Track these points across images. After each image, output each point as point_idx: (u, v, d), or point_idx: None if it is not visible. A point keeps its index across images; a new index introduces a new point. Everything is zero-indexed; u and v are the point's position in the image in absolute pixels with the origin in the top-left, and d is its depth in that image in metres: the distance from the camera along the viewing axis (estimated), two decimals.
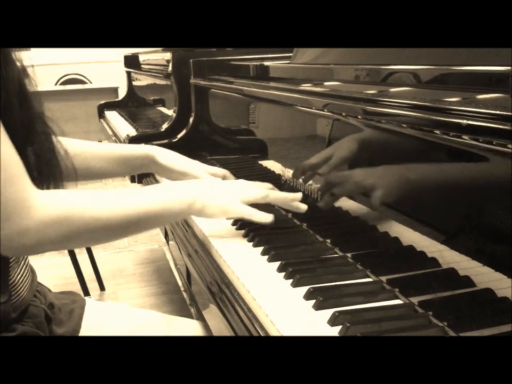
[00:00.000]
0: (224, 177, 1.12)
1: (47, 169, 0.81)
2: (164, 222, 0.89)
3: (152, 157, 1.11)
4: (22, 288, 0.83)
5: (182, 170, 1.11)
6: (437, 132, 0.62)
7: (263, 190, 0.92)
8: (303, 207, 0.92)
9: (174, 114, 1.79)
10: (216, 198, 0.87)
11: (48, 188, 0.80)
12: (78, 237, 0.75)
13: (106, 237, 0.81)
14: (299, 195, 0.93)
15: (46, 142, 0.81)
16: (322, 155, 0.95)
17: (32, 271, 0.90)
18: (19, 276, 0.82)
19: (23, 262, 0.85)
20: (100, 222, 0.75)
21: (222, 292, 0.78)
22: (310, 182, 1.01)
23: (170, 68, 1.80)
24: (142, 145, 1.16)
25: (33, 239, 0.69)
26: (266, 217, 0.88)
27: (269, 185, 0.96)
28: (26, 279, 0.84)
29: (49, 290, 0.99)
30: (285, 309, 0.66)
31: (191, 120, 1.68)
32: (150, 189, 0.88)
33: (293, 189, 1.08)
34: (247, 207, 0.88)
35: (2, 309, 0.77)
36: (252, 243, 0.89)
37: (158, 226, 0.87)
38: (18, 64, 0.73)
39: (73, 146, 0.98)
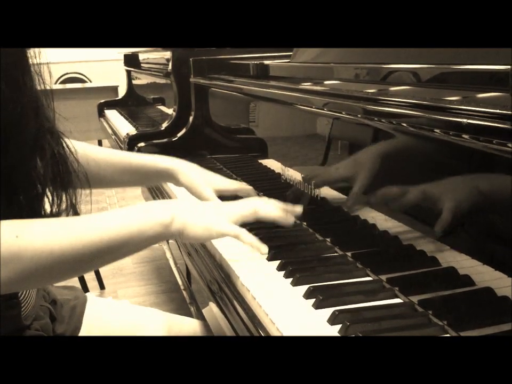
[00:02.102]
0: (248, 195, 1.03)
1: (60, 180, 0.77)
2: (138, 248, 0.73)
3: (172, 174, 1.01)
4: (29, 298, 0.82)
5: (201, 196, 0.99)
6: (437, 130, 0.62)
7: (251, 205, 0.80)
8: (291, 220, 0.82)
9: (174, 113, 1.79)
10: (198, 216, 0.76)
11: (60, 198, 0.77)
12: (33, 277, 0.65)
13: (71, 271, 0.71)
14: (298, 210, 0.84)
15: (58, 155, 0.77)
16: (342, 173, 0.89)
17: None
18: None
19: None
20: (57, 256, 0.64)
21: (222, 290, 0.78)
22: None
23: (170, 67, 1.80)
24: (163, 157, 1.03)
25: None
26: (259, 245, 0.76)
27: (255, 199, 0.84)
28: (32, 290, 0.83)
29: (52, 285, 0.98)
30: (285, 307, 0.66)
31: (191, 119, 1.68)
32: (118, 212, 0.75)
33: (292, 188, 1.09)
34: (235, 227, 0.76)
35: (14, 322, 0.77)
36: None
37: (132, 253, 0.74)
38: (33, 68, 0.71)
39: (89, 152, 0.94)
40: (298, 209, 0.83)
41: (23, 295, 0.79)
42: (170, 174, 1.01)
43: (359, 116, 0.79)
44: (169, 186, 1.28)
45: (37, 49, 0.71)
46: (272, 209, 0.81)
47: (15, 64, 0.68)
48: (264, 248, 0.75)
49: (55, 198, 0.77)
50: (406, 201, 0.74)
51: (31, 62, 0.70)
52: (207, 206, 0.82)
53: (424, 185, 0.72)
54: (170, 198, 1.26)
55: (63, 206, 0.78)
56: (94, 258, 0.69)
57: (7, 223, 0.63)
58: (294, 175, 1.09)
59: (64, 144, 0.79)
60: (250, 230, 0.91)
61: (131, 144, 1.71)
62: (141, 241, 0.72)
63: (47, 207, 0.77)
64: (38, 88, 0.73)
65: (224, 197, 0.97)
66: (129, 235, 0.70)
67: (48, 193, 0.76)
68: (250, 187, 1.05)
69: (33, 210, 0.73)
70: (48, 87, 0.74)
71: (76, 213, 0.84)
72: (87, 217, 0.71)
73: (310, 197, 0.97)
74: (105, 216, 0.72)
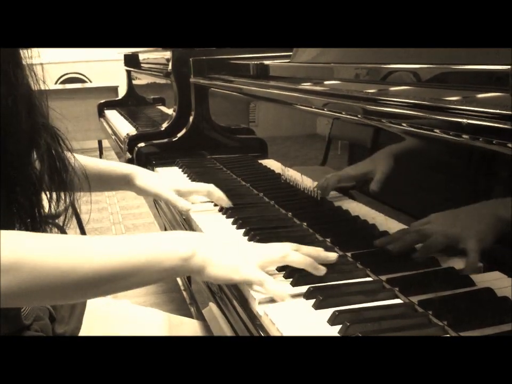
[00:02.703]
0: (208, 193, 1.09)
1: (58, 178, 0.76)
2: (150, 281, 0.67)
3: (129, 177, 1.07)
4: None
5: (155, 193, 1.07)
6: (437, 130, 0.62)
7: (281, 250, 0.73)
8: (323, 271, 0.73)
9: (174, 113, 1.79)
10: (223, 256, 0.70)
11: (58, 196, 0.76)
12: (31, 292, 0.60)
13: (69, 295, 0.65)
14: (332, 257, 0.76)
15: (54, 151, 0.76)
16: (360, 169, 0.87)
17: None
18: None
19: None
20: (59, 275, 0.60)
21: (222, 290, 0.78)
22: (311, 182, 1.01)
23: (170, 67, 1.80)
24: (120, 164, 1.09)
25: None
26: (282, 293, 0.68)
27: (286, 244, 0.75)
28: None
29: None
30: (285, 308, 0.66)
31: (191, 119, 1.68)
32: (136, 238, 0.69)
33: (292, 188, 1.09)
34: (261, 273, 0.69)
35: (14, 321, 0.77)
36: (251, 242, 0.89)
37: (140, 285, 0.66)
38: (27, 67, 0.70)
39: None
40: (332, 257, 0.75)
41: None
42: (127, 179, 1.06)
43: (359, 116, 0.79)
44: None
45: (32, 50, 0.71)
46: (303, 258, 0.72)
47: (7, 59, 0.66)
48: (287, 295, 0.69)
49: (54, 196, 0.76)
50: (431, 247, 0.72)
51: (24, 60, 0.69)
52: (234, 246, 0.75)
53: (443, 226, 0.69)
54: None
55: (62, 203, 0.78)
56: (101, 283, 0.63)
57: (11, 232, 0.61)
58: (294, 175, 1.10)
59: (61, 142, 0.79)
60: (251, 230, 0.91)
61: (131, 144, 1.71)
62: (155, 273, 0.66)
63: (47, 207, 0.77)
64: (35, 88, 0.72)
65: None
66: (144, 264, 0.65)
67: (47, 192, 0.75)
68: (209, 184, 1.09)
69: (32, 209, 0.73)
70: (42, 85, 0.74)
71: (76, 212, 0.84)
72: (99, 238, 0.66)
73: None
74: (121, 239, 0.68)
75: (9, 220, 0.69)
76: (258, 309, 0.67)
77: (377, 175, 0.81)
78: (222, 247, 0.72)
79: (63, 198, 0.78)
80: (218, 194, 1.08)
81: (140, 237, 0.69)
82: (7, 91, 0.66)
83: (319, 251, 0.75)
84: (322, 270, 0.72)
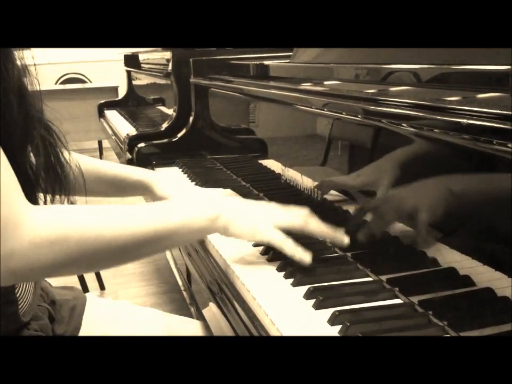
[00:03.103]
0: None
1: (53, 173, 0.76)
2: (181, 241, 0.76)
3: (147, 186, 1.01)
4: (27, 295, 0.82)
5: None
6: (437, 131, 0.62)
7: (303, 215, 0.78)
8: (346, 240, 0.78)
9: (174, 114, 1.79)
10: (244, 216, 0.76)
11: (54, 196, 0.77)
12: (77, 261, 0.65)
13: (112, 260, 0.71)
14: (346, 240, 0.78)
15: (49, 145, 0.77)
16: (363, 180, 0.87)
17: None
18: (24, 284, 0.81)
19: None
20: (103, 243, 0.65)
21: (222, 291, 0.78)
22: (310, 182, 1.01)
23: (170, 67, 1.80)
24: (138, 169, 1.03)
25: (21, 263, 0.59)
26: (302, 255, 0.73)
27: (306, 210, 0.80)
28: (30, 285, 0.84)
29: (50, 285, 0.98)
30: (285, 308, 0.66)
31: (191, 119, 1.68)
32: (164, 204, 0.76)
33: (292, 188, 1.09)
34: (281, 234, 0.75)
35: (12, 319, 0.77)
36: (252, 243, 0.89)
37: (174, 246, 0.78)
38: (19, 63, 0.71)
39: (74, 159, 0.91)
40: (345, 239, 0.78)
41: (20, 292, 0.80)
42: (145, 186, 1.01)
43: (359, 116, 0.79)
44: None
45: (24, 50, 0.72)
46: (323, 226, 0.77)
47: None
48: (308, 257, 0.73)
49: (49, 190, 0.76)
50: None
51: (18, 59, 0.70)
52: (256, 205, 0.80)
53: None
54: None
55: (57, 197, 0.78)
56: (139, 247, 0.69)
57: (54, 206, 0.65)
58: (294, 175, 1.10)
59: (56, 137, 0.79)
60: None
61: (131, 144, 1.71)
62: (186, 234, 0.73)
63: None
64: (29, 86, 0.73)
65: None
66: (175, 227, 0.71)
67: (42, 186, 0.75)
68: (229, 190, 1.05)
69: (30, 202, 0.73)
70: (36, 83, 0.74)
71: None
72: (136, 206, 0.71)
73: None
74: (154, 206, 0.74)
75: None
76: (258, 308, 0.67)
77: (380, 189, 0.81)
78: (244, 207, 0.78)
79: (59, 193, 0.78)
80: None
81: (169, 203, 0.77)
82: None
83: (327, 229, 0.78)
84: (344, 240, 0.77)
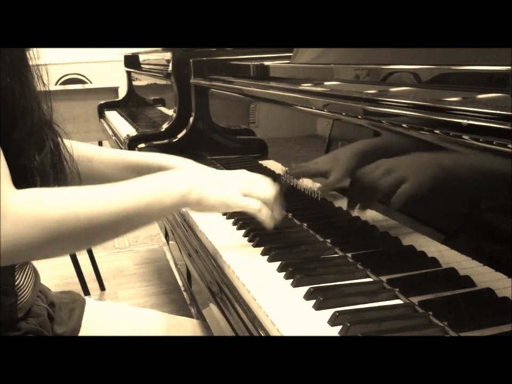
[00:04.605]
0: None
1: (53, 173, 0.79)
2: (157, 216, 0.77)
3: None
4: (27, 290, 0.83)
5: None
6: (437, 131, 0.62)
7: (268, 189, 0.84)
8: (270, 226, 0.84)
9: (174, 114, 1.79)
10: (215, 188, 0.79)
11: None
12: (60, 240, 0.67)
13: (92, 238, 0.73)
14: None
15: (55, 146, 0.80)
16: (320, 167, 0.93)
17: (35, 272, 0.90)
18: (23, 278, 0.82)
19: (27, 264, 0.85)
20: (81, 221, 0.67)
21: (222, 291, 0.78)
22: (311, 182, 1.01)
23: (170, 68, 1.80)
24: (163, 156, 1.04)
25: (9, 243, 0.62)
26: (270, 220, 0.81)
27: (268, 180, 0.87)
28: (30, 280, 0.85)
29: (49, 290, 0.99)
30: (285, 308, 0.66)
31: (191, 120, 1.68)
32: (137, 181, 0.77)
33: (292, 188, 1.08)
34: (254, 200, 0.80)
35: (9, 311, 0.78)
36: (252, 243, 0.89)
37: (150, 222, 0.76)
38: (32, 67, 0.74)
39: (83, 151, 0.95)
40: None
41: (19, 286, 0.80)
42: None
43: (359, 116, 0.79)
44: None
45: (35, 50, 0.75)
46: (269, 216, 0.82)
47: (20, 60, 0.72)
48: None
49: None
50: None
51: (30, 61, 0.74)
52: (222, 175, 0.85)
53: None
54: None
55: None
56: (115, 224, 0.71)
57: (29, 190, 0.67)
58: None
59: (59, 138, 0.82)
60: (252, 231, 0.91)
61: (131, 145, 1.71)
62: (160, 210, 0.75)
63: None
64: (41, 87, 0.77)
65: None
66: (149, 203, 0.73)
67: (44, 184, 0.77)
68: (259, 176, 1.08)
69: None
70: (46, 85, 0.78)
71: None
72: (109, 185, 0.73)
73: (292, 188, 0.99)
74: (127, 184, 0.74)
75: None
76: (258, 308, 0.67)
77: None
78: (213, 179, 0.81)
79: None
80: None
81: (140, 181, 0.77)
82: (22, 90, 0.71)
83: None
84: (270, 226, 0.83)
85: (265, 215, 0.81)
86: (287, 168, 1.05)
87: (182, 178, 0.78)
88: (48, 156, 0.78)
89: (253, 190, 0.82)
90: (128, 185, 0.75)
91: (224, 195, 0.79)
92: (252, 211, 0.80)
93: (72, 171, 0.86)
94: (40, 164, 0.76)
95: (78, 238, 0.69)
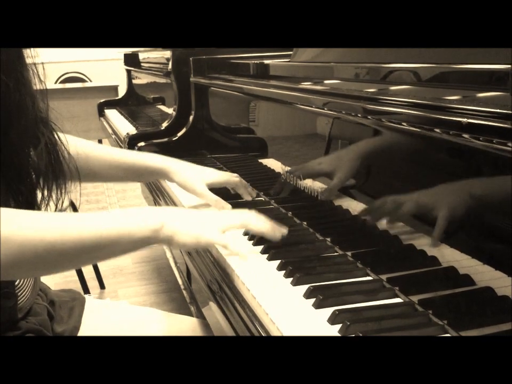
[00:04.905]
0: (236, 186, 1.12)
1: (52, 169, 0.79)
2: (123, 251, 0.73)
3: (164, 173, 1.07)
4: (26, 290, 0.83)
5: (195, 192, 1.06)
6: (437, 130, 0.62)
7: (242, 216, 0.82)
8: (278, 236, 0.83)
9: (174, 113, 1.79)
10: (188, 224, 0.77)
11: (50, 188, 0.80)
12: (20, 263, 0.65)
13: (53, 265, 0.71)
14: (285, 231, 0.84)
15: (52, 145, 0.80)
16: (323, 167, 0.93)
17: None
18: (23, 278, 0.82)
19: None
20: (44, 246, 0.65)
21: (222, 290, 0.78)
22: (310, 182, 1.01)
23: (170, 66, 1.80)
24: (154, 157, 1.08)
25: None
26: (243, 252, 0.79)
27: (246, 210, 0.85)
28: (30, 280, 0.84)
29: (49, 288, 0.99)
30: (285, 307, 0.66)
31: (191, 118, 1.68)
32: (109, 213, 0.76)
33: (292, 188, 1.09)
34: (223, 236, 0.78)
35: (9, 312, 0.78)
36: (251, 242, 0.89)
37: (116, 255, 0.74)
38: (29, 66, 0.75)
39: (81, 147, 0.96)
40: (285, 230, 0.84)
41: (19, 287, 0.80)
42: (162, 173, 1.06)
43: (359, 115, 0.79)
44: (169, 186, 1.28)
45: (32, 48, 0.75)
46: (262, 223, 0.82)
47: (17, 58, 0.72)
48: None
49: (46, 187, 0.79)
50: (402, 212, 0.76)
51: (27, 59, 0.74)
52: (197, 214, 0.82)
53: (417, 194, 0.72)
54: (170, 197, 1.26)
55: (53, 196, 0.81)
56: (79, 253, 0.69)
57: (4, 213, 0.64)
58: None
59: (56, 135, 0.83)
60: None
61: (131, 143, 1.71)
62: (129, 243, 0.73)
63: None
64: (37, 85, 0.77)
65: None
66: (118, 235, 0.71)
67: (40, 183, 0.78)
68: (238, 178, 1.12)
69: (29, 200, 0.76)
70: (43, 82, 0.78)
71: (73, 206, 0.87)
72: (79, 214, 0.73)
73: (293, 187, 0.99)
74: (97, 215, 0.73)
75: (6, 206, 0.70)
76: (258, 307, 0.67)
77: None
78: (187, 217, 0.79)
79: (55, 189, 0.81)
80: (245, 186, 1.13)
81: (112, 212, 0.77)
82: (18, 88, 0.72)
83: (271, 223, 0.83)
84: (278, 235, 0.82)
85: (233, 248, 0.78)
86: (288, 168, 1.05)
87: (154, 214, 0.76)
88: (45, 155, 0.78)
89: (227, 222, 0.80)
90: (99, 216, 0.74)
91: (195, 231, 0.77)
92: (222, 247, 0.80)
93: (71, 168, 0.86)
94: (38, 164, 0.76)
95: (39, 263, 0.68)
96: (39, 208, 0.80)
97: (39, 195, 0.79)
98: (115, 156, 1.05)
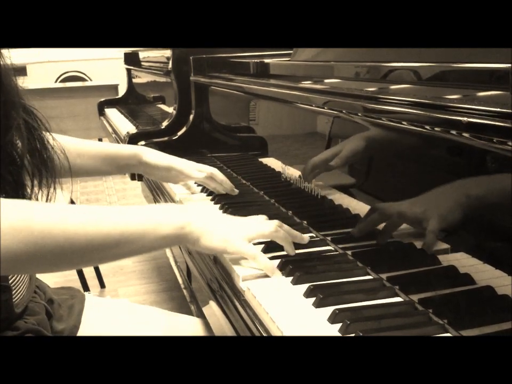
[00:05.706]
0: (212, 175, 1.13)
1: (39, 156, 0.79)
2: (147, 248, 0.71)
3: (138, 156, 1.12)
4: (22, 286, 0.83)
5: (168, 165, 1.12)
6: (437, 129, 0.62)
7: (271, 225, 0.79)
8: (293, 252, 0.81)
9: (174, 112, 1.79)
10: (216, 227, 0.75)
11: (41, 179, 0.79)
12: (40, 254, 0.62)
13: (74, 258, 0.67)
14: (306, 239, 0.83)
15: (32, 129, 0.79)
16: (330, 152, 0.93)
17: None
18: (18, 274, 0.82)
19: None
20: (66, 238, 0.63)
21: (222, 289, 0.78)
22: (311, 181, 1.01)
23: (170, 65, 1.80)
24: (130, 145, 1.15)
25: None
26: (271, 267, 0.75)
27: (275, 221, 0.81)
28: (25, 276, 0.84)
29: (48, 286, 0.99)
30: (285, 306, 0.66)
31: (191, 117, 1.68)
32: (136, 207, 0.73)
33: (292, 186, 1.09)
34: (252, 247, 0.76)
35: (5, 307, 0.78)
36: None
37: (138, 252, 0.71)
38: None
39: (68, 144, 0.97)
40: (306, 239, 0.83)
41: (14, 280, 0.80)
42: (137, 157, 1.12)
43: (359, 114, 0.79)
44: (169, 185, 1.28)
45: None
46: (285, 236, 0.79)
47: None
48: (277, 272, 0.75)
49: (36, 173, 0.78)
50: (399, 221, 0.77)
51: None
52: (226, 218, 0.80)
53: (410, 201, 0.74)
54: (170, 196, 1.26)
55: (44, 181, 0.80)
56: (102, 247, 0.67)
57: (22, 201, 0.65)
58: (294, 173, 1.09)
59: (38, 121, 0.81)
60: None
61: (131, 142, 1.71)
62: (154, 240, 0.70)
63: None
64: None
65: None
66: (144, 230, 0.69)
67: (29, 169, 0.76)
68: (213, 168, 1.13)
69: (16, 185, 0.74)
70: (8, 58, 0.74)
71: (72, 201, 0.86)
72: (104, 207, 0.71)
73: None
74: (121, 208, 0.72)
75: None
76: (258, 306, 0.67)
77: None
78: (216, 219, 0.77)
79: (46, 176, 0.80)
80: (221, 177, 1.13)
81: (141, 208, 0.73)
82: None
83: (296, 232, 0.83)
84: (293, 252, 0.80)
85: (261, 263, 0.75)
86: (316, 182, 1.02)
87: (182, 212, 0.74)
88: (27, 138, 0.77)
89: (257, 232, 0.78)
90: (125, 209, 0.72)
91: (224, 236, 0.75)
92: (250, 259, 0.76)
93: (58, 154, 0.86)
94: (21, 147, 0.75)
95: (61, 255, 0.65)
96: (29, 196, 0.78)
97: (28, 190, 0.78)
98: (92, 147, 1.09)
